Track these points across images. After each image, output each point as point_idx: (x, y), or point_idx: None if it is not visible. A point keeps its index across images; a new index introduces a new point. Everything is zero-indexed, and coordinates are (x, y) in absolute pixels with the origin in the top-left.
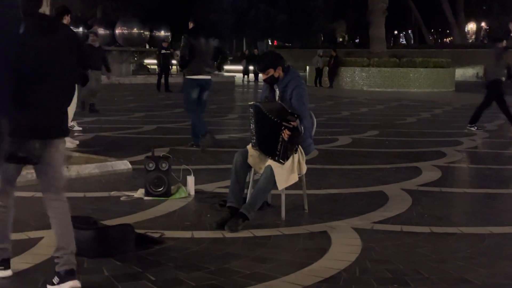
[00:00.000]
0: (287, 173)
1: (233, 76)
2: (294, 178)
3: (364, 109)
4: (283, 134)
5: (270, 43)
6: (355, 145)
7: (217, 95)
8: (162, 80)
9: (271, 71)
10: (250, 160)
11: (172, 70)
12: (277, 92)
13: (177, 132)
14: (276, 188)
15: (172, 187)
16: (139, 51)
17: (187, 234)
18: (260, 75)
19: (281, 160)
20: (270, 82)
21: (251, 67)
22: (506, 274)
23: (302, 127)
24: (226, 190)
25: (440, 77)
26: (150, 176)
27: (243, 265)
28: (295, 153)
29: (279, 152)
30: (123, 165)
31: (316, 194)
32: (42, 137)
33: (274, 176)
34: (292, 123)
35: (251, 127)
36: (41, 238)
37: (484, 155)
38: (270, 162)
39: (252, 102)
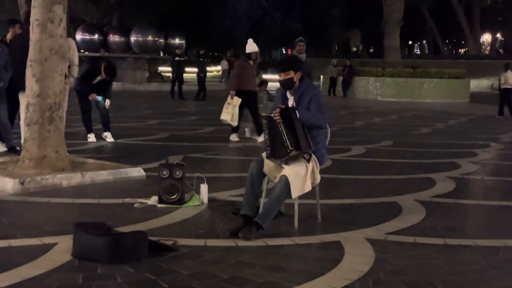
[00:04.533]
0: (301, 182)
1: None
2: (308, 187)
3: (378, 119)
4: (277, 120)
5: (284, 51)
6: (369, 155)
7: None
8: (176, 88)
9: (291, 73)
10: (265, 169)
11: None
12: (291, 101)
13: (191, 140)
14: (290, 197)
15: (186, 195)
16: (153, 58)
17: (200, 242)
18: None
19: (291, 148)
20: (287, 84)
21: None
22: None
23: (299, 114)
24: (240, 199)
25: (454, 88)
26: (164, 184)
27: (256, 273)
28: (309, 162)
29: (286, 142)
30: (137, 172)
31: (329, 204)
32: None
33: (288, 185)
34: (279, 105)
35: (265, 138)
36: (55, 244)
37: (499, 167)
38: (284, 171)
39: (265, 114)
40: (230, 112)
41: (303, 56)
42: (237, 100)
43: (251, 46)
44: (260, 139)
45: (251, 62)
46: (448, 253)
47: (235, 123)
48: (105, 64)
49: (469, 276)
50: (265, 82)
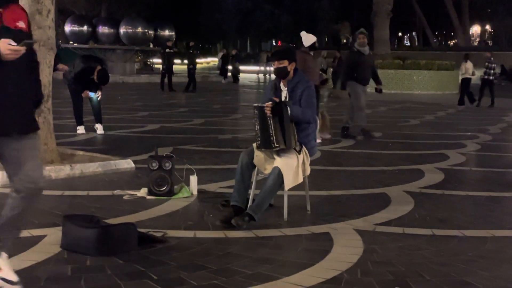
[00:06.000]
0: (294, 174)
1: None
2: (300, 178)
3: (367, 110)
4: (267, 114)
5: (274, 43)
6: (358, 146)
7: (222, 95)
8: (166, 80)
9: (285, 62)
10: (255, 160)
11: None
12: (284, 92)
13: (180, 132)
14: (282, 188)
15: (175, 187)
16: (143, 50)
17: (189, 233)
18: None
19: (276, 145)
20: (280, 73)
21: (230, 67)
22: (508, 277)
23: (290, 111)
24: (229, 190)
25: (444, 80)
26: (153, 175)
27: (245, 265)
28: (300, 154)
29: (272, 136)
30: (127, 164)
31: (318, 195)
32: None
33: (281, 177)
34: (274, 98)
35: (256, 129)
36: (44, 236)
37: (487, 158)
38: (277, 163)
39: (256, 104)
40: None
41: (365, 49)
42: None
43: (309, 37)
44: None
45: (311, 53)
46: (436, 244)
47: None
48: (99, 69)
49: (457, 267)
50: (326, 80)
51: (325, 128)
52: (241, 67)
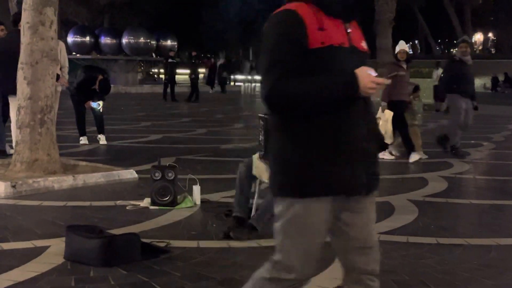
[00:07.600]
0: None
1: (239, 86)
2: None
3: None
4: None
5: None
6: None
7: (224, 104)
8: (168, 90)
9: None
10: (256, 172)
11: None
12: None
13: (183, 142)
14: None
15: (178, 197)
16: (145, 60)
17: (193, 243)
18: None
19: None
20: None
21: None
22: None
23: None
24: (232, 200)
25: None
26: (156, 186)
27: (249, 275)
28: None
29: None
30: (129, 174)
31: None
32: None
33: None
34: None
35: (260, 139)
36: (48, 246)
37: (491, 166)
38: None
39: (261, 115)
40: (382, 128)
41: (468, 59)
42: (389, 114)
43: (398, 45)
44: (413, 158)
45: (404, 65)
46: (440, 252)
47: (390, 141)
48: (100, 79)
49: (461, 275)
50: (418, 87)
51: (418, 147)
52: (239, 77)
